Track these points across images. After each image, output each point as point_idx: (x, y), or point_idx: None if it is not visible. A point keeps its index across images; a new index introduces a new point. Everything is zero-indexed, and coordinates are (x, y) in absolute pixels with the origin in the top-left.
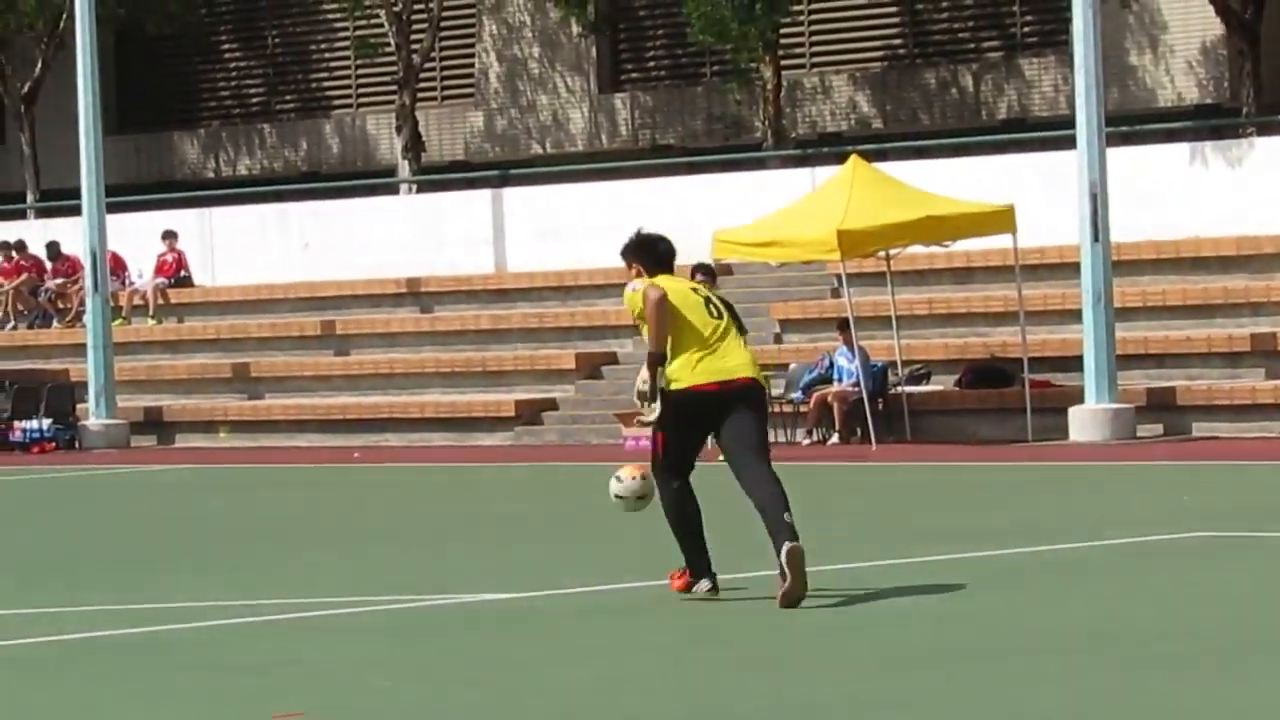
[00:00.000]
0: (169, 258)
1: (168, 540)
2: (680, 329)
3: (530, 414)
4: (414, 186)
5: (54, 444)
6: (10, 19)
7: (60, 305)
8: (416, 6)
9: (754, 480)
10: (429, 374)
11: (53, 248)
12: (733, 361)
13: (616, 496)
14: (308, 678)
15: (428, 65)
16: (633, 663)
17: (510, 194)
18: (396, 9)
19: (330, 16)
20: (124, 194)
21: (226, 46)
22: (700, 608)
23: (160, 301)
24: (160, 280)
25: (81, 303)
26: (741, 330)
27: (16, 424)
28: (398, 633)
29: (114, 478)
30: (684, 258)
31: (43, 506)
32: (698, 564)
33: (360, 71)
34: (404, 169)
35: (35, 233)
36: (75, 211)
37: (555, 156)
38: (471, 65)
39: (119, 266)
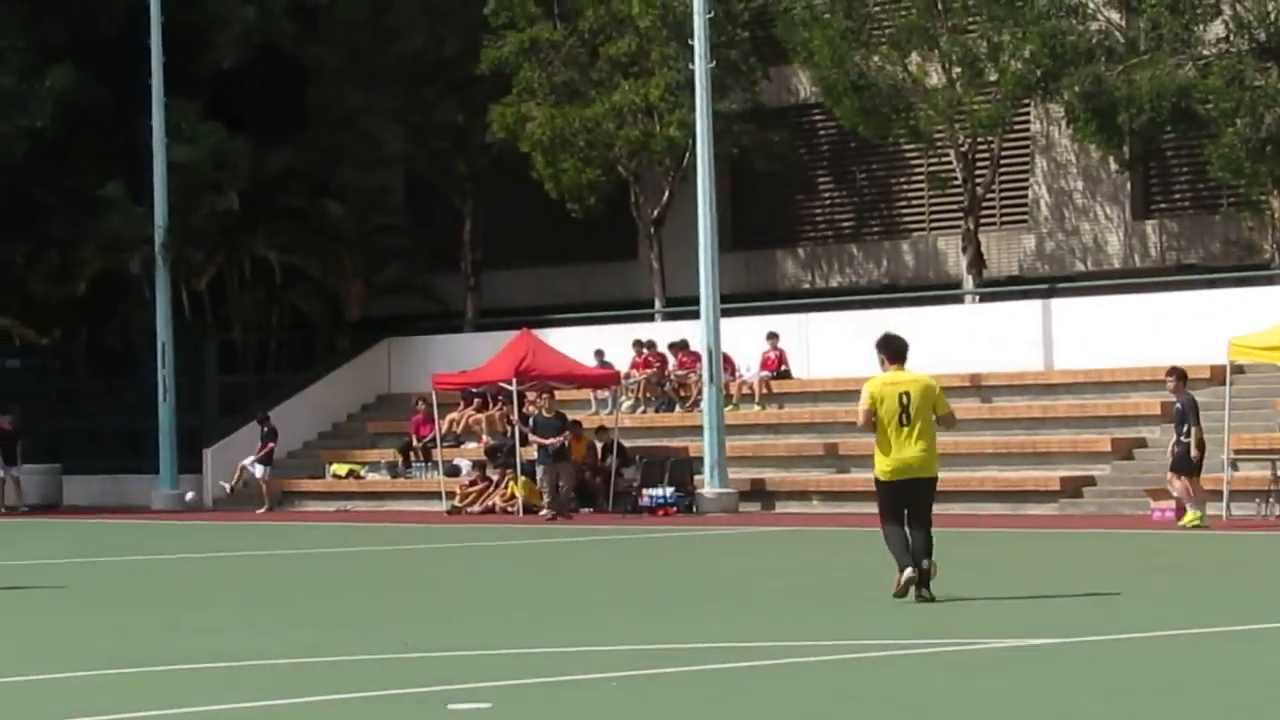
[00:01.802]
0: (772, 355)
1: (770, 587)
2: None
3: (1072, 488)
4: (976, 297)
5: (675, 508)
6: (643, 157)
7: (681, 393)
8: (979, 147)
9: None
10: (986, 454)
11: (676, 346)
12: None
13: None
14: (884, 706)
15: (988, 195)
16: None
17: (1057, 304)
18: (963, 149)
19: (908, 155)
20: (735, 301)
21: (821, 179)
22: None
23: (764, 391)
24: (765, 373)
25: (699, 391)
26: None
27: (645, 491)
28: (958, 669)
29: (724, 537)
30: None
31: (663, 559)
32: None
33: (932, 200)
34: (968, 282)
35: (661, 333)
36: (694, 315)
37: (1095, 273)
38: (1025, 195)
39: (729, 362)
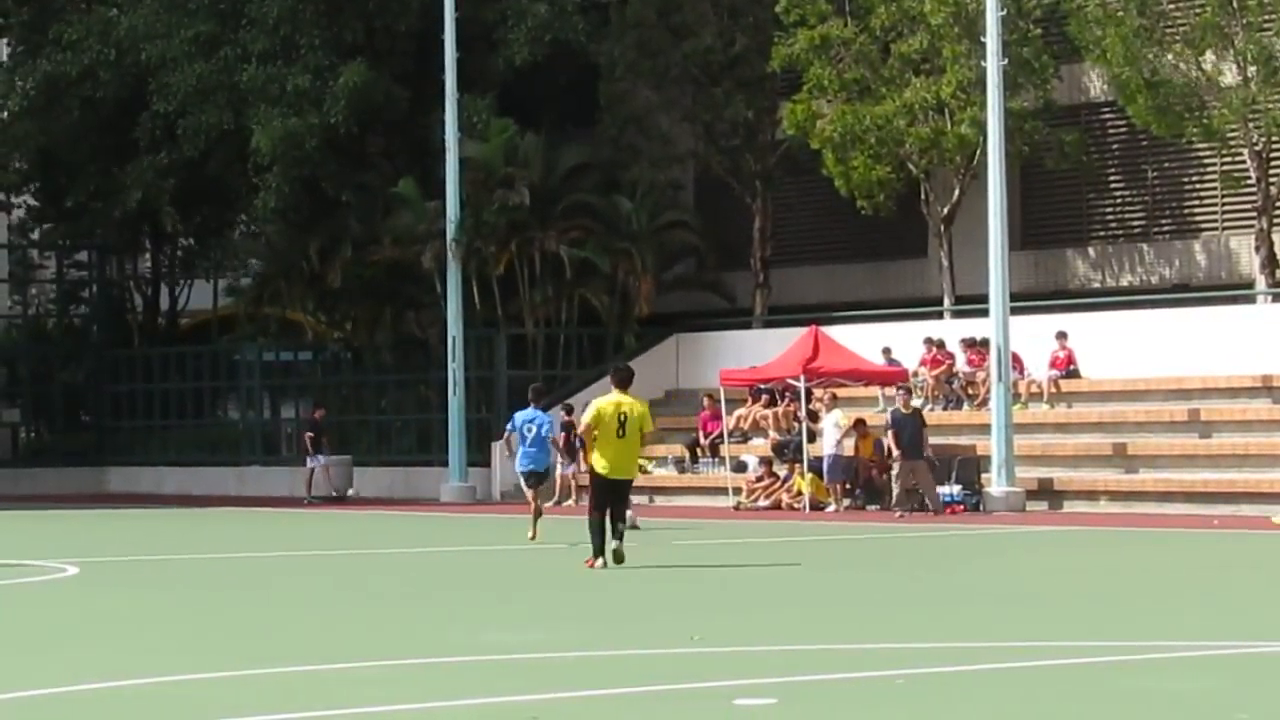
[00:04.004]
0: (1060, 354)
1: (1057, 587)
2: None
3: None
4: (1269, 298)
5: (962, 506)
6: (934, 154)
7: (970, 391)
8: (1274, 146)
9: None
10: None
11: (966, 343)
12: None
13: None
14: (1173, 708)
15: None
16: None
17: None
18: (1258, 148)
19: (1200, 154)
20: (1023, 300)
21: (1113, 178)
22: None
23: (1053, 390)
24: (1053, 373)
25: (988, 390)
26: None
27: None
28: (1246, 671)
29: (1011, 536)
30: None
31: (949, 558)
32: None
33: (1225, 200)
34: (1260, 282)
35: (949, 331)
36: (983, 314)
37: None
38: None
39: (1018, 361)
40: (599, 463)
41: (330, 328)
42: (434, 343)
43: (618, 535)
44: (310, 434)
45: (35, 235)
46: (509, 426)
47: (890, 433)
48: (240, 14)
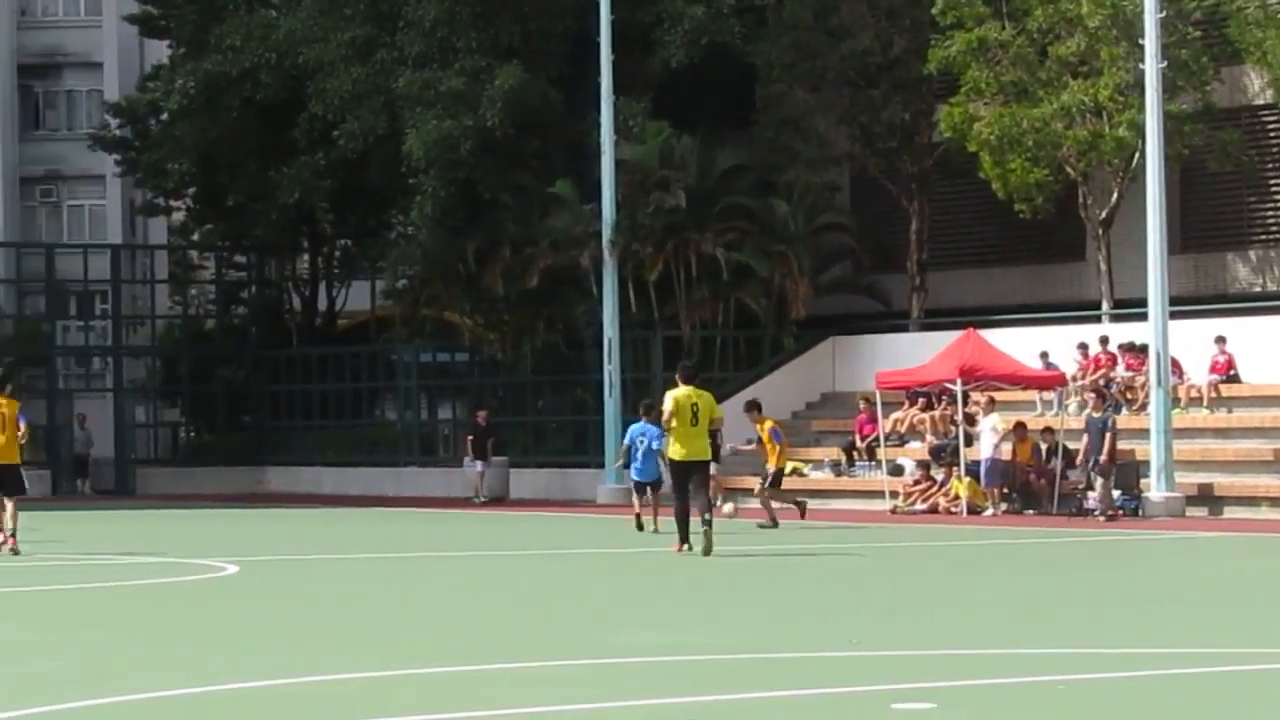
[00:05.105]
0: (1220, 359)
1: (1218, 593)
2: None
3: None
4: None
5: (1121, 511)
6: (1092, 157)
7: (1128, 396)
8: None
9: None
10: None
11: (1124, 348)
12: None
13: None
14: None
15: None
16: None
17: None
18: None
19: None
20: (1183, 304)
21: (1273, 181)
22: None
23: (1213, 395)
24: (1213, 377)
25: (1146, 394)
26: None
27: (1090, 494)
28: None
29: (1171, 542)
30: None
31: (1109, 562)
32: None
33: None
34: None
35: (1108, 335)
36: (1141, 318)
37: None
38: None
39: (1177, 365)
40: (675, 449)
41: (486, 329)
42: (590, 344)
43: (706, 524)
44: (471, 436)
45: (195, 236)
46: (626, 440)
47: (1087, 437)
48: (397, 17)
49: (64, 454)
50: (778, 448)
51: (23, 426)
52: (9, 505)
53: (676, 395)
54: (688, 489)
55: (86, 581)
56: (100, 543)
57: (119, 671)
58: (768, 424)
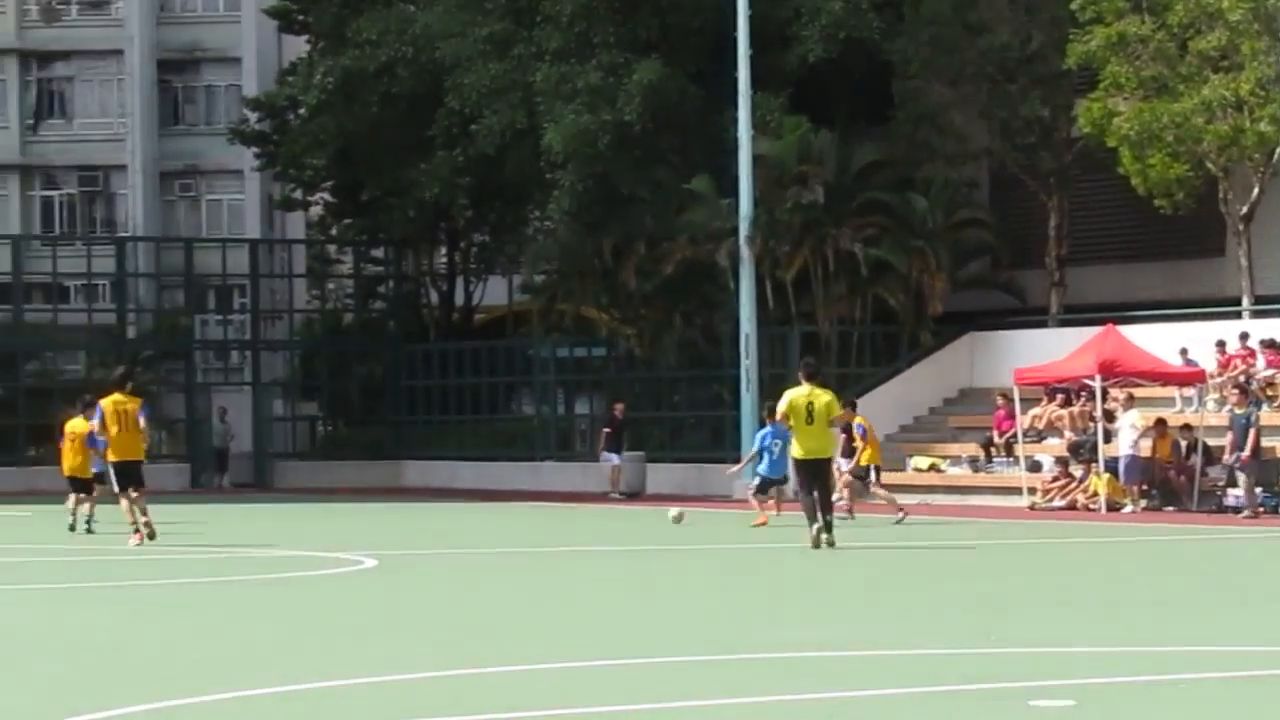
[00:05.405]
0: None
1: None
2: None
3: None
4: None
5: (1262, 509)
6: (1233, 152)
7: (1269, 393)
8: None
9: None
10: None
11: (1266, 344)
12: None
13: None
14: None
15: None
16: None
17: None
18: None
19: None
20: None
21: None
22: None
23: None
24: None
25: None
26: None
27: (1230, 491)
28: None
29: None
30: None
31: (1249, 560)
32: None
33: None
34: None
35: (1249, 331)
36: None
37: None
38: None
39: None
40: (796, 448)
41: (623, 324)
42: (726, 340)
43: (827, 526)
44: (607, 429)
45: (333, 231)
46: (755, 445)
47: (1231, 433)
48: (534, 11)
49: (202, 447)
50: (866, 446)
51: (142, 422)
52: (135, 497)
53: (792, 395)
54: (812, 486)
55: (226, 575)
56: (238, 536)
57: (260, 664)
58: (856, 420)
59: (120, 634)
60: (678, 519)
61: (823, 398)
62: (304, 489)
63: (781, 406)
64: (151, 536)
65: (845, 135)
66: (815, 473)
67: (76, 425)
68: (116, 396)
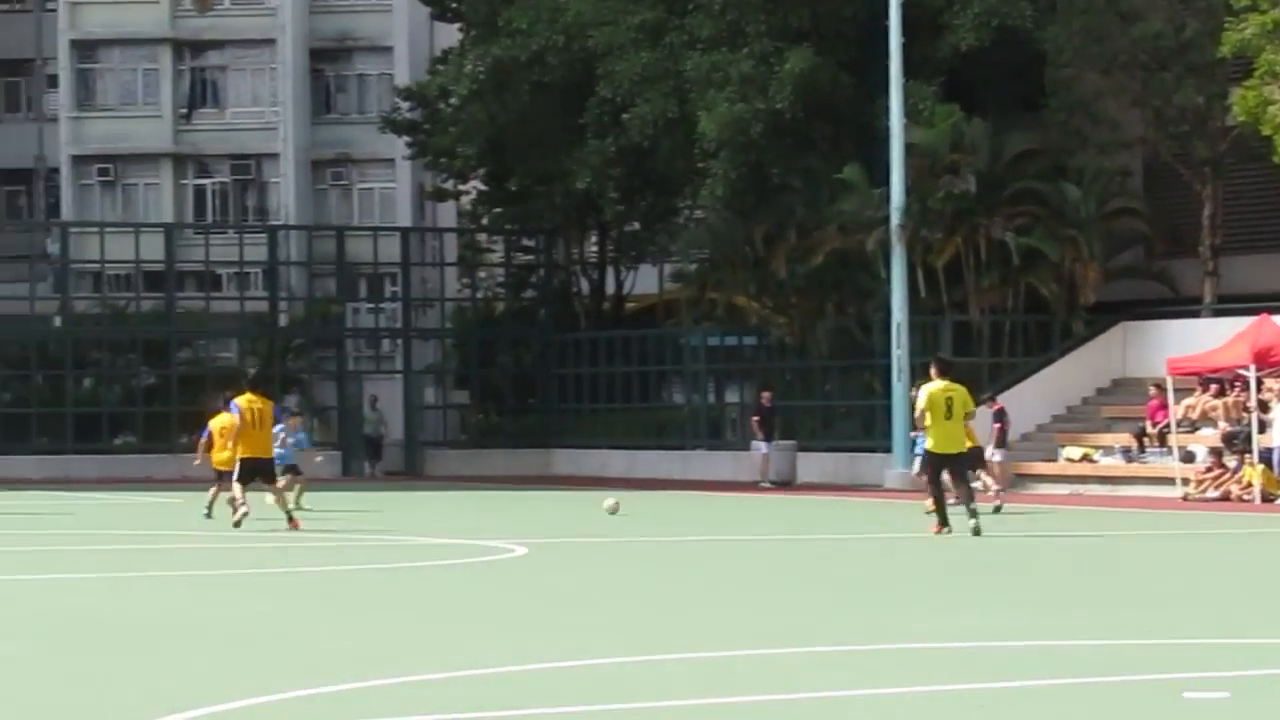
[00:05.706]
0: None
1: None
2: None
3: None
4: None
5: None
6: None
7: None
8: None
9: None
10: None
11: None
12: None
13: None
14: None
15: None
16: None
17: None
18: None
19: None
20: None
21: None
22: None
23: None
24: None
25: None
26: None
27: None
28: None
29: None
30: None
31: None
32: None
33: None
34: None
35: None
36: None
37: None
38: None
39: None
40: (931, 441)
41: (774, 313)
42: (878, 329)
43: (972, 514)
44: (757, 417)
45: (483, 220)
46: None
47: None
48: (686, 0)
49: (353, 435)
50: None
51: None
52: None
53: (931, 390)
54: (940, 478)
55: (378, 562)
56: (391, 523)
57: (413, 651)
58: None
59: (279, 621)
60: (613, 510)
61: (961, 392)
62: (454, 477)
63: (920, 403)
64: (237, 525)
65: (997, 124)
66: (950, 465)
67: (222, 420)
68: (249, 396)
